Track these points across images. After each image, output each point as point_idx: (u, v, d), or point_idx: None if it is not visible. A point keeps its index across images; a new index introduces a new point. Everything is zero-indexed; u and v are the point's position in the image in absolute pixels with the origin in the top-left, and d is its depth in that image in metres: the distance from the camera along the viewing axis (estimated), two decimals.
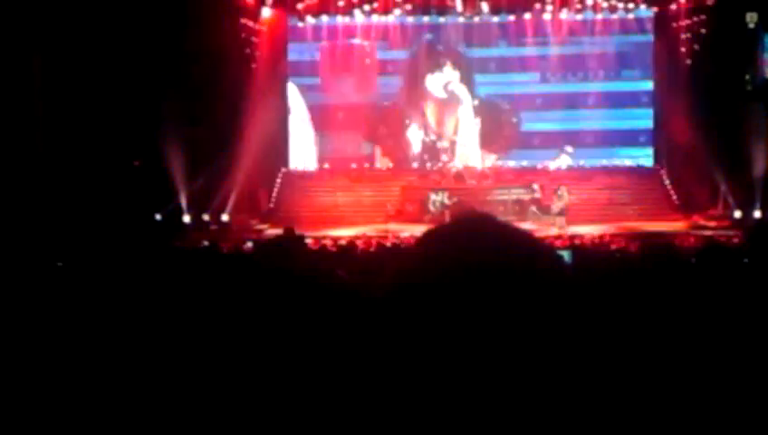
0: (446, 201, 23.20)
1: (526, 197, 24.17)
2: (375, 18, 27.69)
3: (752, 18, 23.48)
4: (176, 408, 3.32)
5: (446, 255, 1.25)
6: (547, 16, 27.34)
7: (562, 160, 27.57)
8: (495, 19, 27.73)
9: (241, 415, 3.10)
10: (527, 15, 27.46)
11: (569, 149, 27.55)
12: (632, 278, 5.17)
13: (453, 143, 27.99)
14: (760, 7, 23.27)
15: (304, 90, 28.58)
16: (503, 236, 1.29)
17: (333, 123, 28.29)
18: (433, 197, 23.55)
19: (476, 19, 27.52)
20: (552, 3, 26.95)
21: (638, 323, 3.82)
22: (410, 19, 27.83)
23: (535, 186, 24.10)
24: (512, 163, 27.80)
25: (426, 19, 27.86)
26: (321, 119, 28.53)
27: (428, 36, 28.02)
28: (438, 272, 1.22)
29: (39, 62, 20.60)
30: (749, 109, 22.87)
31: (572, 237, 18.38)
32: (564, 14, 27.30)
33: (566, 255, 8.58)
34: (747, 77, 24.09)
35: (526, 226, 21.16)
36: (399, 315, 1.20)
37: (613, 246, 13.98)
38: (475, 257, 1.21)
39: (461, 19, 27.65)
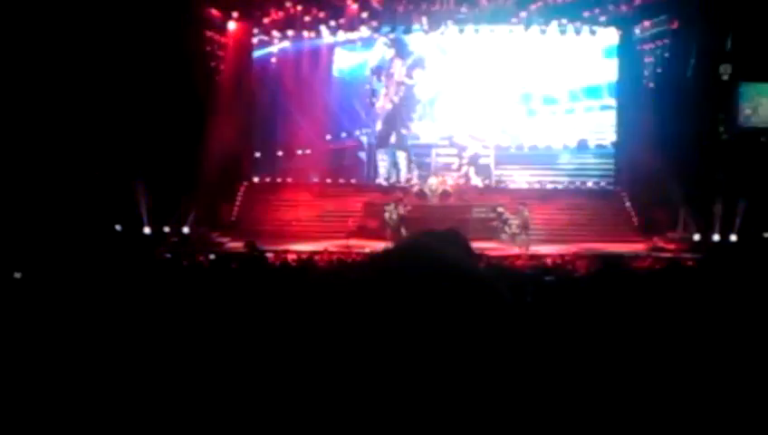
0: (402, 212, 23.13)
1: (491, 216, 24.30)
2: (341, 34, 27.74)
3: (725, 70, 23.77)
4: (144, 421, 3.26)
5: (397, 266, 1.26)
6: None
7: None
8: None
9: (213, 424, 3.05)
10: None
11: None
12: (587, 296, 5.21)
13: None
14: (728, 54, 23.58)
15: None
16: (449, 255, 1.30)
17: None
18: (388, 209, 23.46)
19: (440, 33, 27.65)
20: (518, 23, 27.14)
21: (592, 338, 3.84)
22: (376, 35, 27.90)
23: (500, 209, 24.19)
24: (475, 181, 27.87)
25: (392, 36, 27.94)
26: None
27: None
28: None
29: None
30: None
31: (533, 257, 18.42)
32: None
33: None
34: (722, 129, 24.39)
35: (489, 244, 21.32)
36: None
37: (573, 266, 14.02)
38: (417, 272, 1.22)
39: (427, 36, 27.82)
